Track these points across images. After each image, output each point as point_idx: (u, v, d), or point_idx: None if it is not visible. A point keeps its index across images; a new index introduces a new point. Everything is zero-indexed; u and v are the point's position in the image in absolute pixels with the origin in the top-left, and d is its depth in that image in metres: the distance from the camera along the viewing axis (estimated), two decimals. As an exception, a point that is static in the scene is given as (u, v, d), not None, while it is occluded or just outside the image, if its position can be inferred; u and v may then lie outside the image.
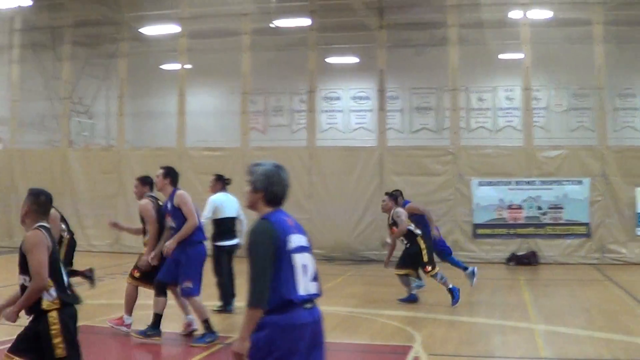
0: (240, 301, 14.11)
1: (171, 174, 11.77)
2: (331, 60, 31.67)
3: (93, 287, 15.04)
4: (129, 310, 11.96)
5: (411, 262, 15.65)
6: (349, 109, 33.41)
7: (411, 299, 15.62)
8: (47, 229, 6.76)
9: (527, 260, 23.41)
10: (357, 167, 24.97)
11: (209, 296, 15.06)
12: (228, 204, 14.58)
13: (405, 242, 15.73)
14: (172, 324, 12.14)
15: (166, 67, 32.55)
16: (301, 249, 5.59)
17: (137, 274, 11.96)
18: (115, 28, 28.76)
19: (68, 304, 6.65)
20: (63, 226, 14.71)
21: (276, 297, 5.35)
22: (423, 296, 15.78)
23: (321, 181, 25.18)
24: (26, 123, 30.31)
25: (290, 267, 5.45)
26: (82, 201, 26.86)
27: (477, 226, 24.18)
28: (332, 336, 11.77)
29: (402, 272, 15.71)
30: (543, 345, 11.46)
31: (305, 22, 27.08)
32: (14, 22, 28.76)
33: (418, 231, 15.70)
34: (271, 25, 28.60)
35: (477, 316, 14.32)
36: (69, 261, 14.77)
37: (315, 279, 5.63)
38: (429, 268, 15.49)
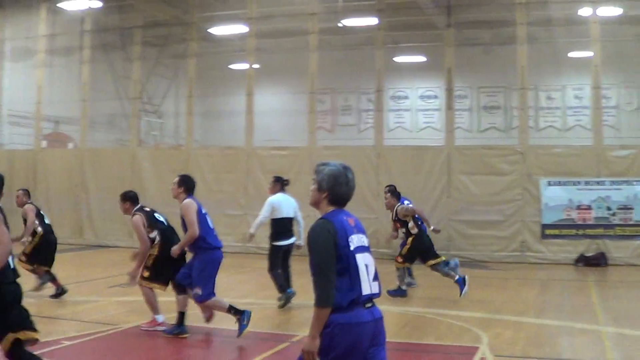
0: (303, 300, 14.25)
1: (186, 183, 11.66)
2: (399, 59, 31.73)
3: (56, 299, 15.10)
4: (155, 309, 11.99)
5: (424, 255, 16.29)
6: (416, 108, 33.48)
7: (401, 294, 16.12)
8: None
9: (596, 261, 23.08)
10: (424, 166, 24.79)
11: (266, 297, 15.24)
12: (285, 204, 14.87)
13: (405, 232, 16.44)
14: (231, 322, 12.18)
15: (234, 66, 32.89)
16: (362, 249, 5.66)
17: (146, 274, 11.89)
18: (185, 28, 29.05)
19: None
20: (37, 221, 15.08)
21: (340, 296, 5.43)
22: (490, 296, 15.71)
23: (388, 180, 24.90)
24: (97, 122, 30.86)
25: (354, 267, 5.53)
26: (151, 199, 26.88)
27: (545, 226, 23.85)
28: (400, 336, 11.86)
29: (433, 262, 16.21)
30: (611, 348, 11.33)
31: (372, 21, 27.04)
32: (84, 23, 29.24)
33: (415, 231, 16.24)
34: (339, 24, 28.75)
35: (545, 317, 14.19)
36: (43, 258, 15.10)
37: (376, 278, 5.70)
38: (400, 259, 16.24)
